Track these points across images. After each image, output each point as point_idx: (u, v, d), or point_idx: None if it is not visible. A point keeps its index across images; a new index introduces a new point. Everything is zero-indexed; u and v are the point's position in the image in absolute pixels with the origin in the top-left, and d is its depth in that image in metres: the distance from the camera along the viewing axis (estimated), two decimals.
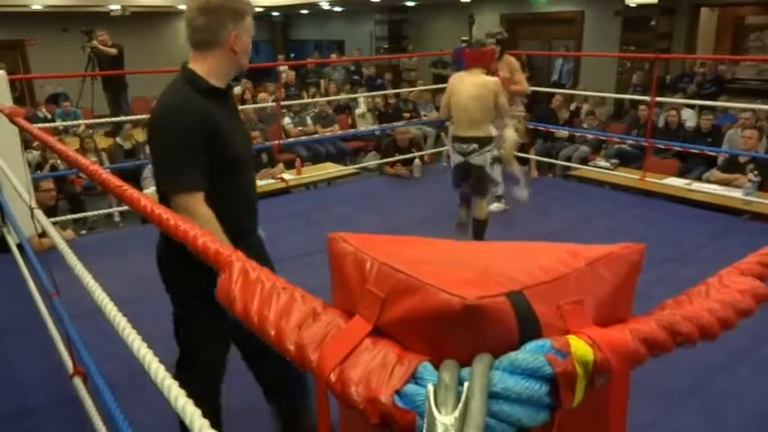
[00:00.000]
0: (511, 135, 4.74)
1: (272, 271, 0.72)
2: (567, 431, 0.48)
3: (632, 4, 9.49)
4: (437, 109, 9.54)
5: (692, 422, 2.38)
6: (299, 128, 8.15)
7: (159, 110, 1.72)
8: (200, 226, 1.52)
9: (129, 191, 1.11)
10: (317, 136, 8.10)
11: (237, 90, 10.00)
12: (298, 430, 2.18)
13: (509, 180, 4.87)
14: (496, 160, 3.89)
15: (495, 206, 4.77)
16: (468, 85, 3.69)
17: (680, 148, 5.91)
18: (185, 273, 1.63)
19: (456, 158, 3.84)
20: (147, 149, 2.64)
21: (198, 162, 1.64)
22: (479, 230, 3.91)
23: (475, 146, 3.71)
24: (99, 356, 2.08)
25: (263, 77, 12.13)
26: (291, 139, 7.44)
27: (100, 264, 2.45)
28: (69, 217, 5.59)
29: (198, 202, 1.63)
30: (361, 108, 8.77)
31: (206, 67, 1.71)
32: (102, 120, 6.86)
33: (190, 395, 0.81)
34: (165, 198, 1.70)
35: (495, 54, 4.08)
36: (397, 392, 0.47)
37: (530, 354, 0.45)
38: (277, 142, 5.99)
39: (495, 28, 6.65)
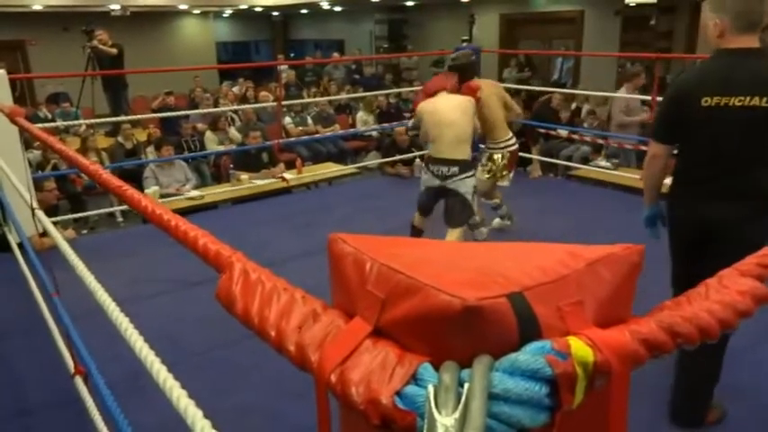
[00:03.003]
0: (480, 175, 4.00)
1: None
2: None
3: (632, 4, 9.49)
4: None
5: None
6: (300, 127, 8.15)
7: None
8: None
9: (130, 191, 1.11)
10: (317, 135, 8.10)
11: (236, 90, 10.00)
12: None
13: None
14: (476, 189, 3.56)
15: (497, 222, 4.50)
16: (449, 100, 3.44)
17: None
18: None
19: (431, 182, 3.47)
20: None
21: None
22: None
23: (455, 169, 3.36)
24: (100, 356, 2.08)
25: (264, 77, 12.15)
26: (292, 139, 7.44)
27: (101, 263, 2.46)
28: (70, 216, 5.60)
29: None
30: (365, 118, 8.73)
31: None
32: (103, 120, 6.87)
33: None
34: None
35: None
36: (398, 393, 0.47)
37: (530, 355, 0.46)
38: (278, 142, 5.99)
39: None
